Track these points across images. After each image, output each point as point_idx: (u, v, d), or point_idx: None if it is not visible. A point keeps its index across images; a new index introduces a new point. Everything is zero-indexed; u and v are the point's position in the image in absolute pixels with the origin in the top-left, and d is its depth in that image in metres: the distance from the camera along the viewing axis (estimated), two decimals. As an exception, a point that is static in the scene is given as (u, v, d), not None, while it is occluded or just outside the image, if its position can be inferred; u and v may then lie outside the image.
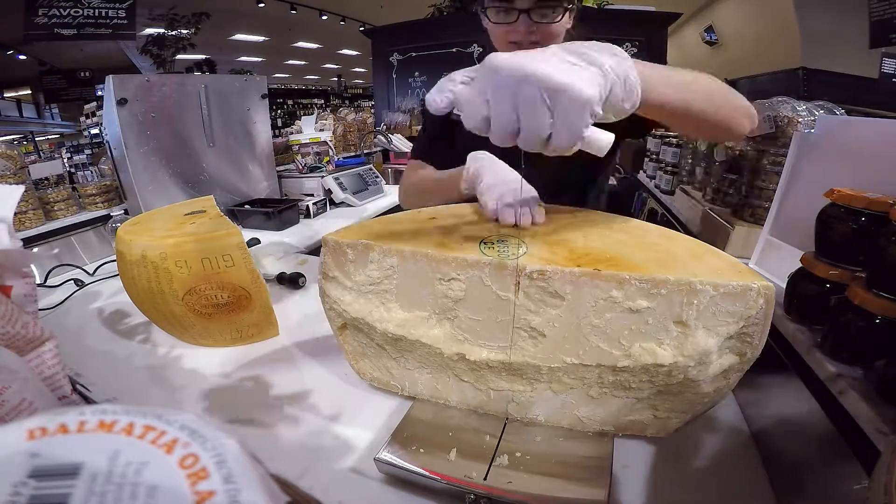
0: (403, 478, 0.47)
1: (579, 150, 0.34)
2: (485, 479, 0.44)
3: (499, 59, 0.32)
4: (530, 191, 0.58)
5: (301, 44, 8.94)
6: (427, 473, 0.45)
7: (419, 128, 3.54)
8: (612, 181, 2.48)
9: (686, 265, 0.43)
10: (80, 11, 2.83)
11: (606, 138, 0.34)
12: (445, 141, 0.86)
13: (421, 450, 0.48)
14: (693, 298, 0.41)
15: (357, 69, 11.26)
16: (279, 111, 7.77)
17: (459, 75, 0.36)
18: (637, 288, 0.41)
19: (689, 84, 0.47)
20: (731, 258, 0.46)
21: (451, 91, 0.35)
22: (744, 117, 0.54)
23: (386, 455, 0.48)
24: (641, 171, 2.12)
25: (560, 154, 0.34)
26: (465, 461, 0.47)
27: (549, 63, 0.31)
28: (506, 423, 0.54)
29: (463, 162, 0.71)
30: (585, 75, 0.32)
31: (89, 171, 1.43)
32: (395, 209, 2.00)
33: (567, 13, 0.70)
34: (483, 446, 0.49)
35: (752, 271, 0.43)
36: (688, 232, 1.16)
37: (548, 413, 0.53)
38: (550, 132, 0.32)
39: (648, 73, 0.38)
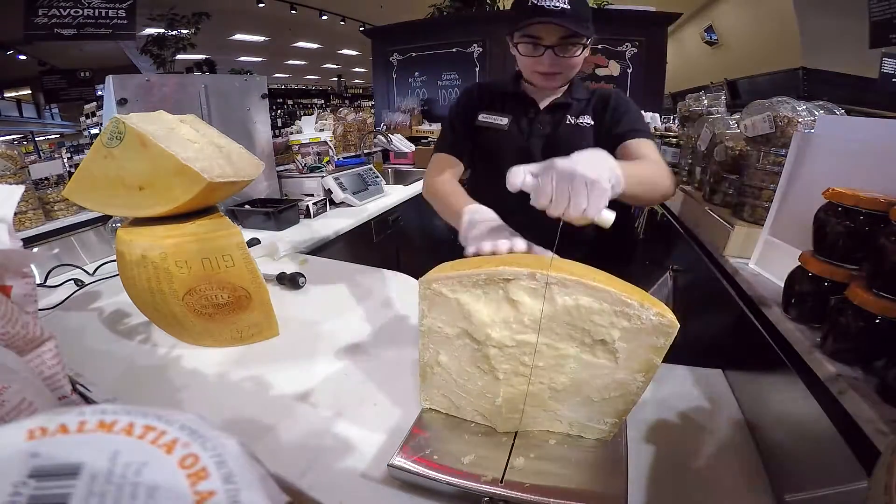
0: (418, 483, 0.47)
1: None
2: (501, 482, 0.45)
3: (559, 163, 0.49)
4: (495, 220, 0.67)
5: (301, 44, 8.94)
6: (444, 479, 0.46)
7: (426, 126, 3.55)
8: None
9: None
10: (80, 11, 2.82)
11: (611, 216, 0.50)
12: (469, 142, 0.97)
13: (434, 455, 0.49)
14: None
15: (357, 69, 11.26)
16: (279, 111, 7.74)
17: (532, 168, 0.51)
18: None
19: (641, 179, 0.67)
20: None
21: (526, 177, 0.51)
22: (667, 194, 0.78)
23: (399, 461, 0.48)
24: (641, 171, 2.11)
25: (582, 223, 0.50)
26: (480, 466, 0.47)
27: (585, 166, 0.49)
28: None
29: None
30: (605, 174, 0.50)
31: (89, 171, 1.42)
32: (396, 208, 1.99)
33: (584, 49, 0.82)
34: (497, 450, 0.50)
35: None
36: (687, 232, 1.16)
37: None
38: (585, 206, 0.49)
39: (626, 173, 0.55)
